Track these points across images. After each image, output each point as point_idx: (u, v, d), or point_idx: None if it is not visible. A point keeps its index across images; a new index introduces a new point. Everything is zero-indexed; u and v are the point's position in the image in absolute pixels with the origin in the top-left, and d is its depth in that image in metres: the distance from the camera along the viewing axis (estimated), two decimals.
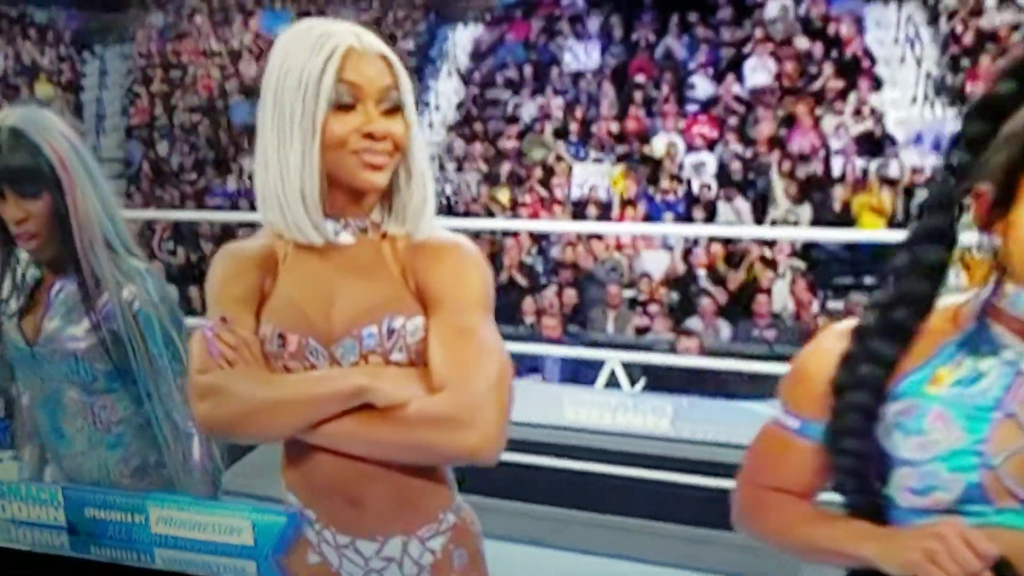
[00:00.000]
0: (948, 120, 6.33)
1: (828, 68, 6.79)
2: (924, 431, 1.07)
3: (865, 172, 6.10)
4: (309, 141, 1.23)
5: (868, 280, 5.79)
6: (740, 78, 7.28)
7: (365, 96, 1.23)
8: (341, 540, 1.27)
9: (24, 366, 1.69)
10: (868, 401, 1.08)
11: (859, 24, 7.12)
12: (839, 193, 6.08)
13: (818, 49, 7.00)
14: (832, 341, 1.15)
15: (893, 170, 6.05)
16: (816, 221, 6.33)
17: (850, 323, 1.14)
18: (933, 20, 7.09)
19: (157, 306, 1.62)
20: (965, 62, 6.58)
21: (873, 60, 6.86)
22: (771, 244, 5.37)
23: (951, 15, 6.96)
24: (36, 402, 1.70)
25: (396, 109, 1.24)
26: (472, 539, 1.32)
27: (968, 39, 6.70)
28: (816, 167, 6.62)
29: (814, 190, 6.55)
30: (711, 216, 6.44)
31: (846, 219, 6.28)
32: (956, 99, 6.50)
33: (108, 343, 1.60)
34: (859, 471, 1.12)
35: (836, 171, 6.42)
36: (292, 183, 1.24)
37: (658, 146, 6.88)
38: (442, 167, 7.60)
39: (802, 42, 7.02)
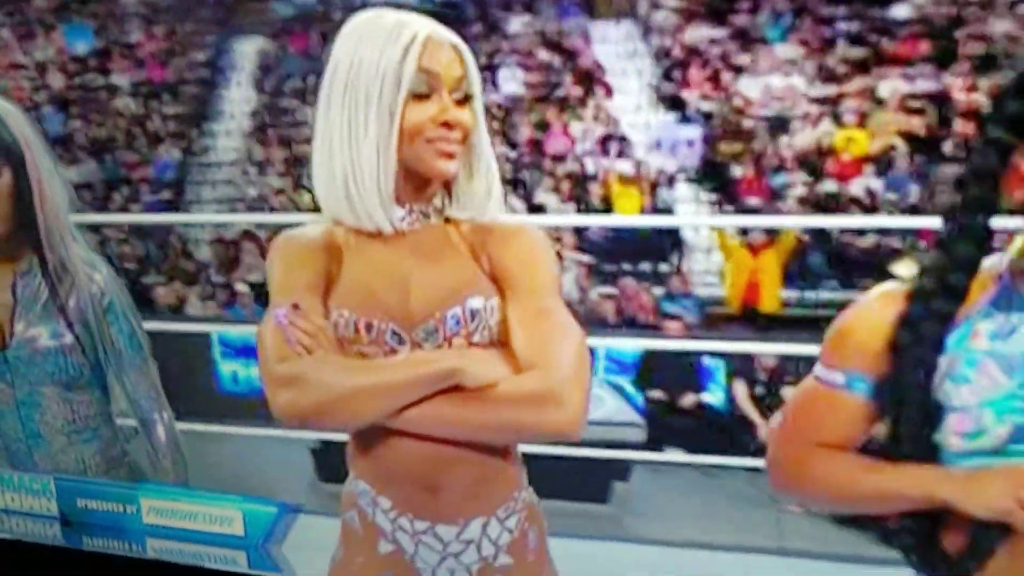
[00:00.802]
0: (671, 124, 7.27)
1: (568, 78, 7.48)
2: (971, 380, 1.15)
3: (613, 170, 6.89)
4: (386, 129, 1.20)
5: (627, 266, 6.60)
6: (496, 86, 7.73)
7: (441, 85, 1.22)
8: (419, 526, 1.25)
9: None
10: (930, 356, 1.16)
11: (587, 38, 7.87)
12: (596, 189, 6.83)
13: (557, 60, 7.67)
14: (879, 303, 1.21)
15: (638, 168, 6.85)
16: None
17: (894, 286, 1.22)
18: (646, 35, 8.02)
19: (119, 295, 1.60)
20: (676, 73, 7.54)
21: (604, 70, 7.64)
22: (558, 239, 5.86)
23: (660, 32, 7.92)
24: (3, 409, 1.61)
25: (467, 99, 1.24)
26: (540, 518, 1.33)
27: (677, 52, 7.67)
28: (573, 166, 7.28)
29: (575, 187, 7.21)
30: None
31: (608, 211, 6.97)
32: (673, 105, 7.44)
33: (81, 336, 1.56)
34: (920, 420, 1.18)
35: (590, 170, 7.17)
36: (365, 172, 1.22)
37: None
38: (245, 171, 7.62)
39: (543, 54, 7.65)
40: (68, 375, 1.57)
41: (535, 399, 1.18)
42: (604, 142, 7.25)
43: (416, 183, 1.25)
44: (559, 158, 7.00)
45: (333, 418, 1.22)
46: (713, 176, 6.78)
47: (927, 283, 1.17)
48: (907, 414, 1.18)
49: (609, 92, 7.55)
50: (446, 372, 1.19)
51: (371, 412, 1.21)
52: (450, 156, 1.23)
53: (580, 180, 6.94)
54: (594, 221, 6.38)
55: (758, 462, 3.43)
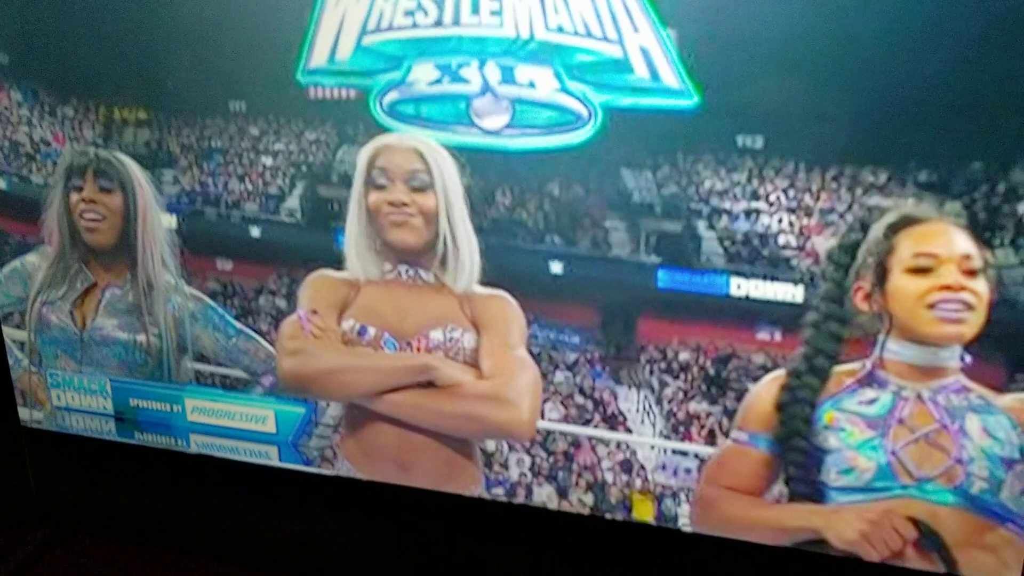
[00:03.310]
0: (675, 457, 8.04)
1: (598, 416, 8.44)
2: (844, 429, 1.48)
3: (628, 483, 7.54)
4: (358, 210, 1.50)
5: None
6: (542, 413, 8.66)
7: (395, 177, 1.50)
8: None
9: (61, 347, 1.84)
10: (807, 412, 1.51)
11: (614, 395, 8.98)
12: (615, 492, 7.45)
13: (590, 404, 8.72)
14: (770, 382, 1.60)
15: (648, 484, 7.49)
16: (595, 510, 7.38)
17: (780, 372, 1.58)
18: (658, 402, 9.09)
19: (194, 317, 1.82)
20: (681, 429, 8.46)
21: (625, 417, 8.64)
22: None
23: (669, 401, 9.00)
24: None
25: (422, 187, 1.50)
26: None
27: (681, 416, 8.67)
28: (596, 476, 7.89)
29: (595, 492, 7.74)
30: None
31: (627, 510, 7.40)
32: (677, 452, 8.26)
33: (152, 338, 1.80)
34: (804, 463, 1.51)
35: (610, 479, 7.78)
36: (351, 239, 1.51)
37: None
38: None
39: (580, 399, 8.73)
40: (133, 361, 1.81)
41: (492, 398, 1.45)
42: (624, 464, 8.00)
43: (396, 248, 1.53)
44: (587, 468, 7.68)
45: (324, 386, 1.45)
46: None
47: (800, 366, 1.57)
48: (793, 459, 1.55)
49: (629, 431, 8.40)
50: (421, 366, 1.47)
51: (357, 386, 1.43)
52: (399, 225, 1.52)
53: (600, 485, 7.53)
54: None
55: None
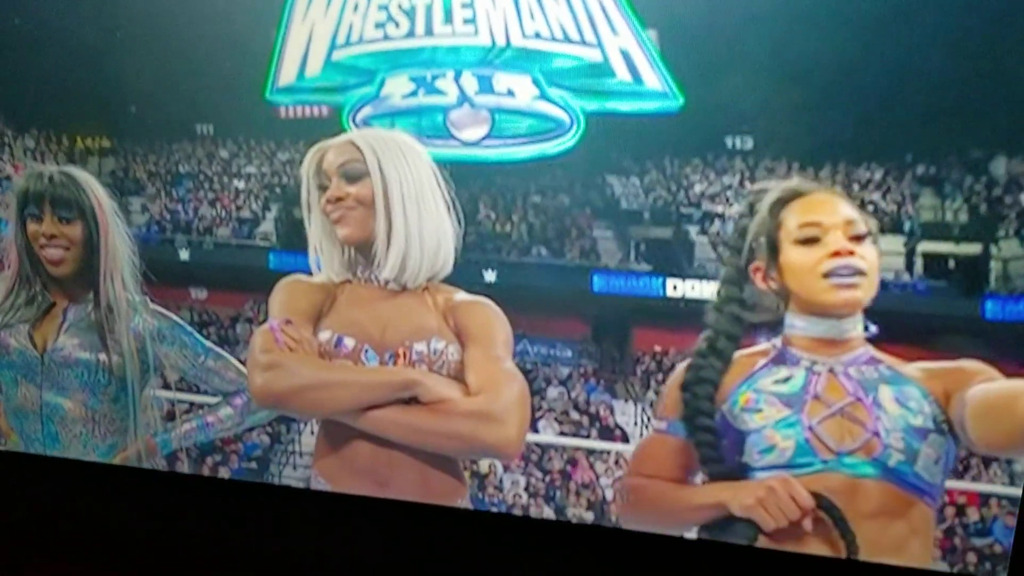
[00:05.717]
0: None
1: (595, 432, 8.35)
2: (761, 410, 1.46)
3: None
4: (311, 214, 1.49)
5: None
6: (536, 430, 8.63)
7: (332, 175, 1.47)
8: None
9: (21, 372, 1.76)
10: (710, 391, 1.49)
11: (611, 408, 8.88)
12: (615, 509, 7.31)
13: (586, 420, 8.60)
14: (680, 371, 1.58)
15: None
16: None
17: (687, 359, 1.52)
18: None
19: (152, 335, 1.76)
20: None
21: (624, 431, 8.53)
22: None
23: None
24: (22, 411, 1.71)
25: (356, 177, 1.45)
26: None
27: None
28: (596, 494, 7.82)
29: (595, 510, 7.67)
30: None
31: None
32: None
33: (115, 359, 1.72)
34: (713, 443, 1.49)
35: (608, 496, 7.69)
36: (313, 243, 1.49)
37: None
38: None
39: (575, 415, 8.61)
40: (97, 383, 1.73)
41: (479, 415, 1.36)
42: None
43: (345, 244, 1.47)
44: (586, 486, 7.57)
45: (301, 402, 1.34)
46: None
47: (703, 347, 1.57)
48: (701, 439, 1.52)
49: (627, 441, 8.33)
50: (406, 381, 1.37)
51: (335, 403, 1.34)
52: (338, 221, 1.47)
53: (600, 503, 7.43)
54: None
55: None
